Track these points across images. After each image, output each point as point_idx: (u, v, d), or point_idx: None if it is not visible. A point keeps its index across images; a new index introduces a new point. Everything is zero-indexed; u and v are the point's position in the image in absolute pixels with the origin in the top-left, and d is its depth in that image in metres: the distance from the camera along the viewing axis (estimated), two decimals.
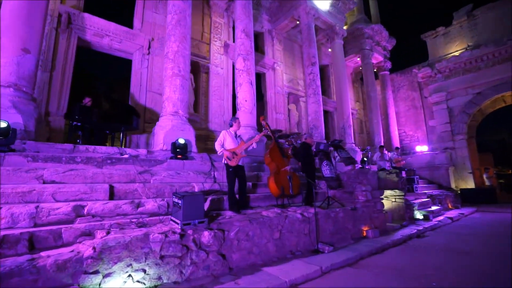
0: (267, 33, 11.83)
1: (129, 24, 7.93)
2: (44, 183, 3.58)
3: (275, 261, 3.67)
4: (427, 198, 9.44)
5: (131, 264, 2.64)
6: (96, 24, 7.04)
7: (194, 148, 5.99)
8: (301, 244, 4.11)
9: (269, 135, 5.02)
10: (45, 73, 6.23)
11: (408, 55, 18.48)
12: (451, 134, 12.23)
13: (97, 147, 4.79)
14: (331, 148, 7.67)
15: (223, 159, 4.31)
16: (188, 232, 3.14)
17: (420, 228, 5.94)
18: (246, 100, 7.40)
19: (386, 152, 9.90)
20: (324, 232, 4.49)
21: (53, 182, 3.64)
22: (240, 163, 4.38)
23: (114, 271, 2.55)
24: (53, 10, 6.53)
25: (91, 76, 8.61)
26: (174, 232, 3.02)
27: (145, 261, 2.72)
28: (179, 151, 5.38)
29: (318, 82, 10.00)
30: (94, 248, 2.52)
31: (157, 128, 5.86)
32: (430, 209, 8.11)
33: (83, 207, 3.27)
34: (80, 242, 2.81)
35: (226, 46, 9.92)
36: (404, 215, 6.69)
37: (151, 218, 3.51)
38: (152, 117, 7.65)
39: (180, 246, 2.96)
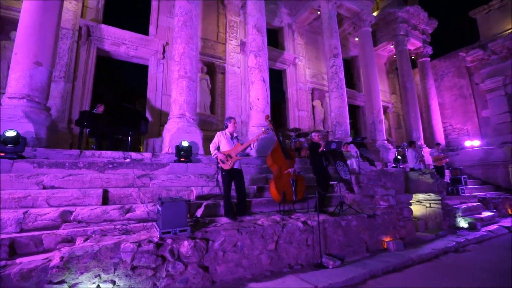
0: (287, 28, 11.32)
1: (145, 31, 8.19)
2: (44, 188, 3.72)
3: (267, 275, 3.30)
4: (478, 202, 8.06)
5: (99, 275, 2.54)
6: (113, 34, 7.38)
7: (201, 151, 5.87)
8: (302, 257, 3.66)
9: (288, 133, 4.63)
10: (68, 84, 6.70)
11: (453, 37, 16.23)
12: (511, 125, 10.32)
13: (103, 152, 4.92)
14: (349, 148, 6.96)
15: (217, 162, 4.07)
16: (167, 241, 2.95)
17: (461, 240, 4.99)
18: (258, 99, 7.08)
19: (424, 147, 8.68)
20: (333, 243, 3.96)
21: (52, 187, 3.78)
22: (236, 166, 4.09)
23: (81, 282, 2.47)
24: (74, 24, 7.01)
25: (113, 84, 9.12)
26: (150, 241, 2.86)
27: (114, 272, 2.60)
28: (183, 154, 5.29)
29: (341, 75, 9.20)
30: (62, 257, 2.47)
31: (164, 131, 5.88)
32: (479, 215, 6.84)
33: (71, 212, 3.30)
34: (59, 249, 2.81)
35: (242, 44, 9.70)
36: (441, 223, 5.72)
37: (137, 224, 3.42)
38: (165, 120, 7.77)
39: (154, 257, 2.78)
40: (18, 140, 4.06)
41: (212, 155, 4.11)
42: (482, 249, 4.67)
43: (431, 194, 5.83)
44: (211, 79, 9.05)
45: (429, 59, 13.31)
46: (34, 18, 4.79)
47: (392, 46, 13.04)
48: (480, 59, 11.61)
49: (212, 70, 9.16)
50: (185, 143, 5.31)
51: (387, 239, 4.50)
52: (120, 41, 7.51)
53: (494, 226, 6.26)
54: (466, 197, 8.05)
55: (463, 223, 6.25)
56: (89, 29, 7.06)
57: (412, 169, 7.44)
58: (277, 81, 11.01)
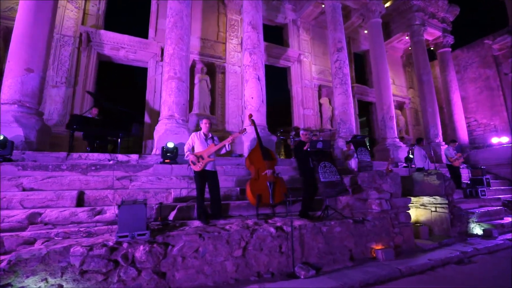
0: (292, 24, 10.99)
1: (145, 35, 8.33)
2: (23, 190, 3.85)
3: (231, 283, 3.12)
4: (502, 205, 7.22)
5: (46, 279, 2.53)
6: (112, 39, 7.59)
7: None
8: (274, 265, 3.43)
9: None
10: (69, 89, 6.99)
11: (477, 24, 14.79)
12: None
13: (90, 154, 5.03)
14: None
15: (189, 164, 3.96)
16: (123, 245, 2.89)
17: (468, 249, 4.43)
18: (252, 98, 6.90)
19: (443, 145, 7.90)
20: (312, 251, 3.67)
21: (31, 189, 3.89)
22: (209, 168, 3.95)
23: (28, 285, 2.47)
24: (75, 31, 7.30)
25: (115, 87, 9.41)
26: (104, 245, 2.80)
27: (62, 276, 2.57)
28: (168, 155, 5.26)
29: (346, 70, 8.72)
30: (9, 260, 2.49)
31: (154, 133, 5.91)
32: (500, 221, 6.09)
33: (40, 214, 3.36)
34: (18, 251, 2.85)
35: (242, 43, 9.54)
36: (448, 229, 5.15)
37: (104, 227, 3.40)
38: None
39: (106, 261, 2.72)
40: (5, 144, 4.24)
41: (184, 157, 4.01)
42: (492, 261, 4.11)
43: (436, 197, 5.28)
44: (211, 80, 9.01)
45: (449, 49, 12.24)
46: (26, 28, 5.01)
47: (407, 38, 12.17)
48: (510, 46, 10.47)
49: (212, 70, 9.12)
50: (170, 144, 5.28)
51: (378, 247, 4.11)
52: (119, 46, 7.70)
53: None
54: (488, 200, 7.23)
55: (477, 229, 5.60)
56: (89, 35, 7.32)
57: (419, 169, 6.83)
58: (281, 79, 10.73)
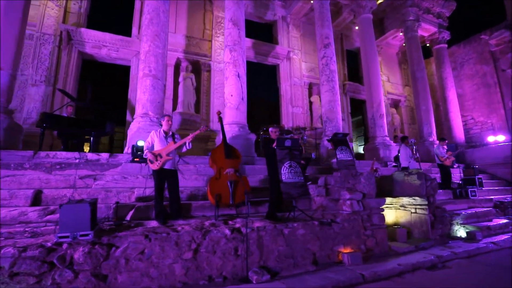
0: (281, 20, 10.80)
1: (129, 33, 8.26)
2: None
3: (179, 287, 2.99)
4: (493, 206, 6.93)
5: None
6: (93, 37, 7.53)
7: None
8: (228, 268, 3.28)
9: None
10: (48, 87, 6.95)
11: (474, 19, 14.35)
12: None
13: (58, 152, 4.95)
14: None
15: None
16: (63, 246, 2.78)
17: (445, 253, 4.21)
18: (232, 95, 6.75)
19: (437, 144, 7.60)
20: (271, 254, 3.51)
21: None
22: (168, 167, 3.81)
23: None
24: (56, 30, 7.25)
25: (98, 86, 9.38)
26: (41, 246, 2.70)
27: None
28: (139, 154, 5.15)
29: (333, 67, 8.51)
30: None
31: (128, 131, 5.81)
32: (487, 223, 5.82)
33: None
34: None
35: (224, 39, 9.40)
36: (427, 231, 4.92)
37: (53, 227, 3.30)
38: None
39: (39, 263, 2.61)
40: None
41: (144, 155, 3.89)
42: (468, 266, 3.88)
43: (416, 198, 5.05)
44: (196, 78, 8.90)
45: (446, 45, 11.89)
46: None
47: (402, 34, 11.87)
48: (507, 42, 10.11)
49: (198, 68, 9.00)
50: (140, 143, 5.16)
51: (346, 250, 3.92)
52: (101, 44, 7.64)
53: (503, 237, 5.27)
54: (478, 201, 6.95)
55: (462, 232, 5.36)
56: (69, 33, 7.27)
57: (404, 169, 6.59)
58: (270, 78, 10.56)
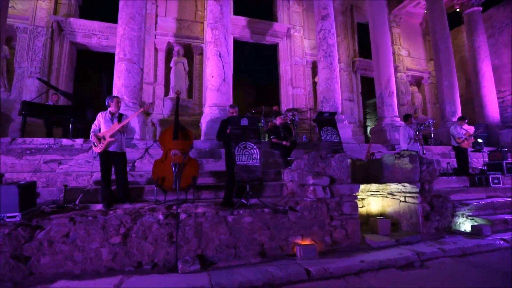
0: None
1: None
2: None
3: (100, 273, 2.85)
4: None
5: None
6: (83, 26, 7.63)
7: (137, 135, 5.63)
8: (161, 255, 3.06)
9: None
10: (43, 78, 7.22)
11: None
12: None
13: (35, 139, 5.10)
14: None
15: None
16: None
17: (429, 250, 3.52)
18: (212, 76, 6.41)
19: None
20: (211, 243, 3.21)
21: None
22: (113, 149, 3.66)
23: None
24: (47, 21, 7.47)
25: (94, 75, 9.60)
26: None
27: None
28: None
29: (332, 41, 7.66)
30: None
31: None
32: (503, 216, 4.86)
33: None
34: None
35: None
36: (417, 224, 4.23)
37: None
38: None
39: None
40: None
41: (90, 138, 3.79)
42: (453, 268, 3.19)
43: (406, 184, 4.34)
44: (189, 62, 8.68)
45: (480, 8, 10.09)
46: None
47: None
48: None
49: (189, 52, 8.76)
50: None
51: (305, 242, 3.48)
52: (90, 33, 7.74)
53: None
54: (501, 190, 5.87)
55: (467, 225, 4.53)
56: (59, 24, 7.44)
57: (404, 151, 5.74)
58: (269, 58, 9.95)
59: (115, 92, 5.78)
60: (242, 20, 9.02)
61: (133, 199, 3.95)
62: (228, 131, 3.85)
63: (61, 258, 2.85)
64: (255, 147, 3.79)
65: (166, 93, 8.34)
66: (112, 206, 3.53)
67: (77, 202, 3.76)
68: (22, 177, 4.01)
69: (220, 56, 6.44)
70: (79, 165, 4.49)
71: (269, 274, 2.76)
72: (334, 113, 5.63)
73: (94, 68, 9.50)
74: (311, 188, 3.73)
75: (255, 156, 3.73)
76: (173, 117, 4.03)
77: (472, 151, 8.22)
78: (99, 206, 3.57)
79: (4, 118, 5.62)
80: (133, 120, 5.63)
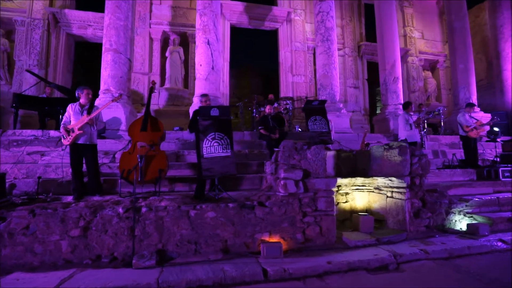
0: None
1: None
2: None
3: (58, 265, 2.87)
4: None
5: None
6: (77, 17, 7.65)
7: (123, 126, 5.62)
8: (121, 249, 3.03)
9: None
10: (41, 71, 7.40)
11: None
12: None
13: (24, 130, 5.24)
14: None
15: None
16: None
17: (410, 251, 3.23)
18: (201, 65, 6.22)
19: (477, 111, 5.86)
20: (173, 237, 3.13)
21: None
22: (82, 141, 3.64)
23: None
24: (43, 14, 7.55)
25: (92, 66, 9.70)
26: None
27: None
28: None
29: (330, 24, 7.15)
30: None
31: None
32: (508, 214, 4.40)
33: None
34: None
35: (220, 6, 8.64)
36: (404, 221, 3.91)
37: None
38: (136, 98, 7.80)
39: None
40: None
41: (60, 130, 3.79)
42: (431, 273, 2.91)
43: (392, 178, 4.00)
44: (184, 51, 8.53)
45: None
46: None
47: None
48: None
49: (185, 40, 8.58)
50: None
51: (273, 239, 3.32)
52: (86, 24, 7.75)
53: None
54: (511, 184, 5.34)
55: (463, 223, 4.15)
56: (55, 16, 7.50)
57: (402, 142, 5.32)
58: (268, 44, 9.56)
59: (102, 83, 5.78)
60: (239, 6, 8.66)
61: (107, 191, 3.96)
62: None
63: (21, 250, 2.89)
64: (225, 137, 3.61)
65: (162, 83, 8.28)
66: (82, 198, 3.54)
67: (50, 194, 3.81)
68: (3, 169, 4.11)
69: (208, 43, 6.22)
70: (61, 157, 4.53)
71: (222, 273, 2.63)
72: (324, 101, 5.30)
73: (95, 60, 9.61)
74: (282, 182, 3.53)
75: (225, 147, 3.56)
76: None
77: (487, 141, 7.55)
78: (70, 198, 3.59)
79: (5, 111, 5.81)
80: (119, 111, 5.65)
